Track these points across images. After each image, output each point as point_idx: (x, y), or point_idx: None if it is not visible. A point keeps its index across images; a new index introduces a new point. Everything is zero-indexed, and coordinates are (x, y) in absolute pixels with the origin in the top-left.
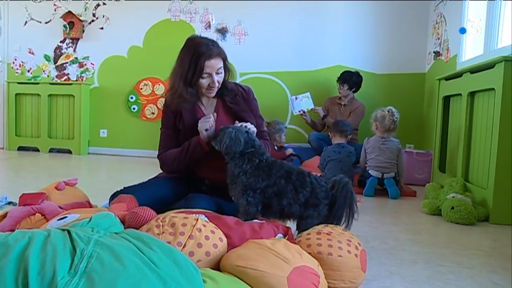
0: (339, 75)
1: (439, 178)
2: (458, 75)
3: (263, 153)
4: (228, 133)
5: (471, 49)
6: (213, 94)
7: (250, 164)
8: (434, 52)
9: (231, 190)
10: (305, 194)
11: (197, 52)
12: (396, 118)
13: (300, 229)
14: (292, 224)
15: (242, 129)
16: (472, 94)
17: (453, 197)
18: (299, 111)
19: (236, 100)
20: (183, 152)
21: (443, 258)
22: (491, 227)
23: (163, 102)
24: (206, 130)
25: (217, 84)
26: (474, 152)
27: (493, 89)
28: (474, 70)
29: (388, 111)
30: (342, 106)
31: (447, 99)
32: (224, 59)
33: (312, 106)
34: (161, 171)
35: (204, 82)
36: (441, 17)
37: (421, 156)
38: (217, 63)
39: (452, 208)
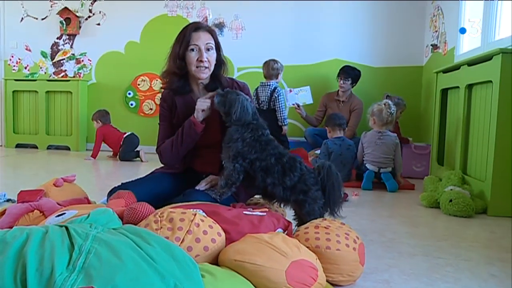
0: (340, 70)
1: (437, 171)
2: (456, 67)
3: (266, 129)
4: (240, 101)
5: (468, 42)
6: (204, 75)
7: (251, 134)
8: (431, 45)
9: (223, 152)
10: (292, 179)
11: (185, 28)
12: (393, 110)
13: (301, 214)
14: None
15: (249, 99)
16: (469, 86)
17: (451, 189)
18: (293, 104)
19: None
20: (178, 137)
21: (441, 251)
22: (489, 219)
23: (161, 96)
24: (203, 110)
25: (206, 59)
26: (472, 144)
27: (491, 81)
28: (472, 63)
29: (384, 104)
30: (341, 103)
31: (445, 92)
32: (215, 39)
33: (311, 101)
34: (157, 167)
35: (192, 55)
36: (438, 9)
37: (419, 149)
38: (206, 37)
39: (450, 200)
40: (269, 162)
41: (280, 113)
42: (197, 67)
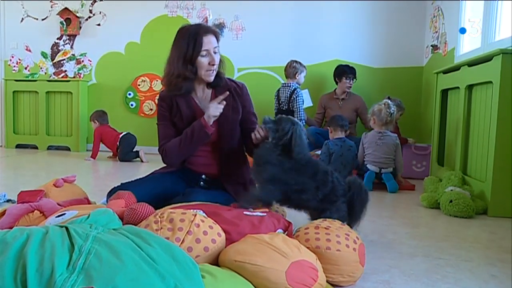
0: (341, 70)
1: (438, 172)
2: (456, 68)
3: (305, 155)
4: (298, 134)
5: (468, 42)
6: (212, 76)
7: (291, 164)
8: (431, 45)
9: (254, 173)
10: (324, 192)
11: (193, 31)
12: (392, 110)
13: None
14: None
15: (304, 129)
16: (470, 87)
17: (451, 190)
18: None
19: (227, 97)
20: (186, 138)
21: (441, 251)
22: (489, 220)
23: (159, 96)
24: (215, 116)
25: (216, 63)
26: (472, 145)
27: (491, 82)
28: (472, 63)
29: (384, 104)
30: (340, 101)
31: (445, 93)
32: (218, 40)
33: (310, 104)
34: (157, 168)
35: (203, 61)
36: (438, 10)
37: (419, 150)
38: (214, 40)
39: (451, 201)
40: (305, 184)
41: (298, 114)
42: (207, 70)
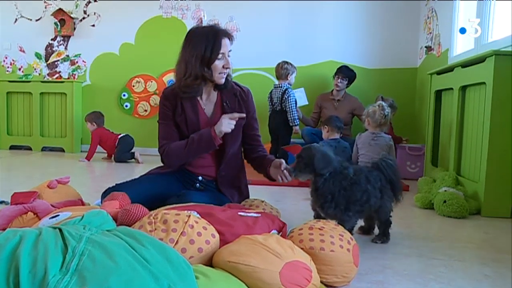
0: (337, 69)
1: (432, 172)
2: (450, 69)
3: (349, 168)
4: (319, 151)
5: (462, 44)
6: (224, 79)
7: (339, 187)
8: (425, 46)
9: (326, 209)
10: (377, 186)
11: (212, 32)
12: (386, 112)
13: (382, 219)
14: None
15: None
16: (463, 88)
17: (445, 191)
18: None
19: (233, 101)
20: (192, 144)
21: (435, 252)
22: (482, 220)
23: (161, 94)
24: (226, 132)
25: (230, 66)
26: (465, 146)
27: (484, 83)
28: (466, 65)
29: (378, 106)
30: (336, 102)
31: (438, 94)
32: (231, 43)
33: (306, 102)
34: (152, 168)
35: (218, 64)
36: (432, 11)
37: (413, 151)
38: (229, 43)
39: (444, 201)
40: (367, 191)
41: (291, 114)
42: (220, 73)
